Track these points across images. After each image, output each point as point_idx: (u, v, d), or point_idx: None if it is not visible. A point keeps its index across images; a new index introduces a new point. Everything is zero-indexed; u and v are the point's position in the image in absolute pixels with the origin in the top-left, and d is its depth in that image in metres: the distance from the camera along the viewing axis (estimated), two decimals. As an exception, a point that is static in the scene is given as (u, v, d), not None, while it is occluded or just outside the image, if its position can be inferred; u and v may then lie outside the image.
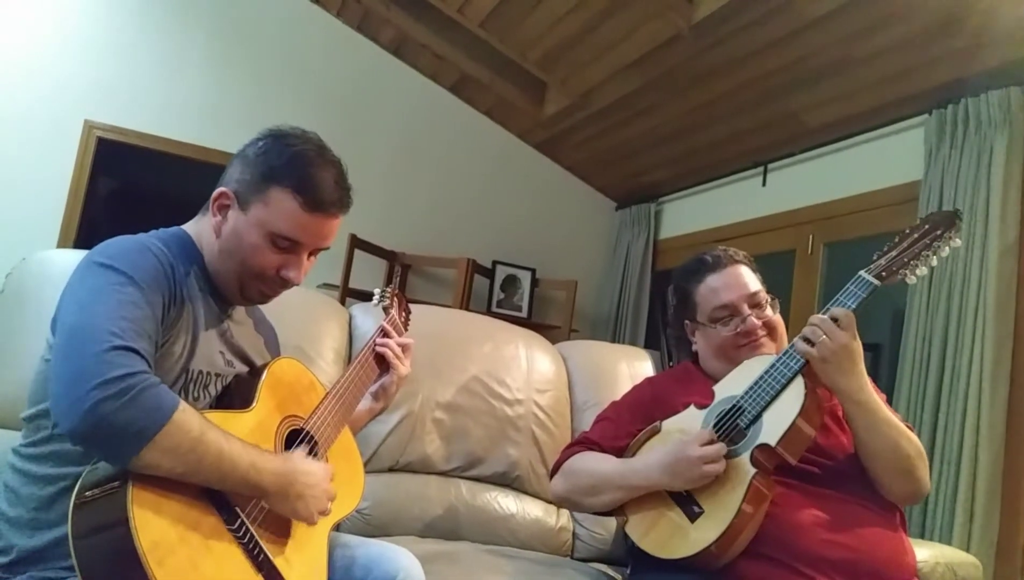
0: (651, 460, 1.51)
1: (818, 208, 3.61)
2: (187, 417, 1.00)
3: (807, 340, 1.43)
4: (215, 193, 1.25)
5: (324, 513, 1.18)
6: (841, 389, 1.45)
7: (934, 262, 1.49)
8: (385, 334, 1.54)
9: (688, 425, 1.55)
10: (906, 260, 1.47)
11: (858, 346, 1.43)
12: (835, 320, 1.42)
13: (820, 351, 1.40)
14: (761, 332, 1.64)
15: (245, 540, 1.05)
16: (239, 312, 1.37)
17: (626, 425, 1.69)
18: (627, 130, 4.36)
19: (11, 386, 1.53)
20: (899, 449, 1.46)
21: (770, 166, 3.94)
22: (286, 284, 1.27)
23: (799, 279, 3.70)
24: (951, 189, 2.83)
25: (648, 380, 1.89)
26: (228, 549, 1.03)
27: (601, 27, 3.60)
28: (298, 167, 1.22)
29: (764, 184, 3.98)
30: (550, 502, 2.05)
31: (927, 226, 1.51)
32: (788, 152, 3.78)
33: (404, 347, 1.55)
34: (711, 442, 1.43)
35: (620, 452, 1.64)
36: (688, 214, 4.63)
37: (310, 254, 1.29)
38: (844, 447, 1.53)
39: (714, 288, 1.68)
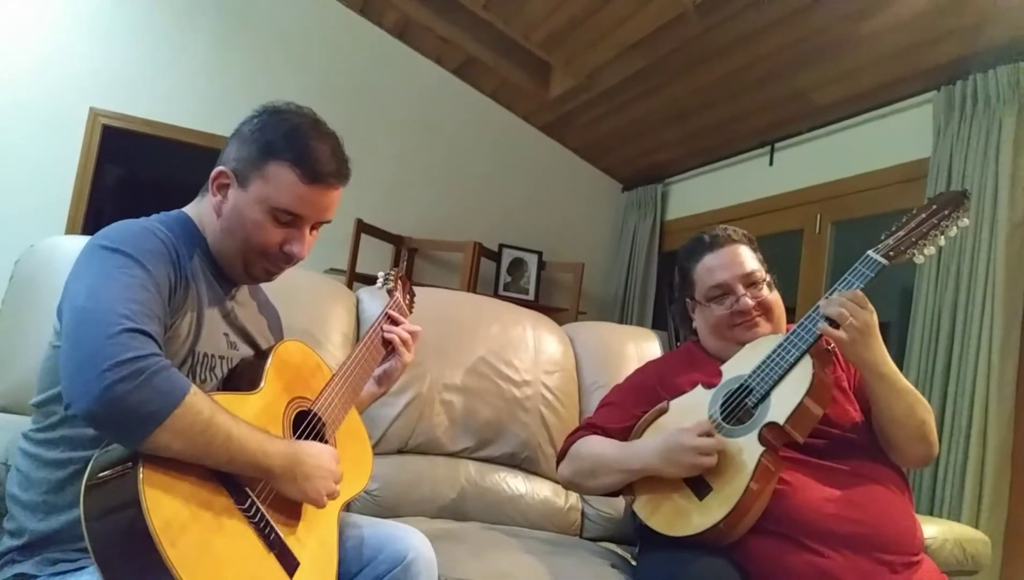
0: (648, 445, 1.53)
1: (826, 187, 3.59)
2: (198, 400, 1.00)
3: (832, 322, 1.43)
4: (213, 173, 1.25)
5: (332, 496, 1.19)
6: (867, 364, 1.46)
7: (942, 242, 1.50)
8: (392, 320, 1.54)
9: (696, 404, 1.56)
10: (914, 240, 1.49)
11: (876, 319, 1.44)
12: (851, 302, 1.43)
13: (849, 332, 1.41)
14: (755, 312, 1.64)
15: (256, 519, 1.06)
16: (243, 294, 1.37)
17: (631, 408, 1.69)
18: (633, 111, 4.33)
19: (21, 372, 1.54)
20: (916, 414, 1.48)
21: (777, 145, 3.91)
22: (290, 260, 1.27)
23: (807, 258, 3.68)
24: (960, 166, 2.81)
25: (652, 362, 1.88)
26: (239, 528, 1.04)
27: (605, 7, 3.57)
28: (295, 140, 1.22)
29: (771, 163, 3.96)
30: (558, 482, 2.06)
31: (935, 206, 1.52)
32: (795, 131, 3.76)
33: (412, 334, 1.55)
34: (708, 434, 1.44)
35: (626, 434, 1.64)
36: (695, 195, 4.60)
37: (312, 228, 1.28)
38: (851, 417, 1.54)
39: (710, 267, 1.69)
